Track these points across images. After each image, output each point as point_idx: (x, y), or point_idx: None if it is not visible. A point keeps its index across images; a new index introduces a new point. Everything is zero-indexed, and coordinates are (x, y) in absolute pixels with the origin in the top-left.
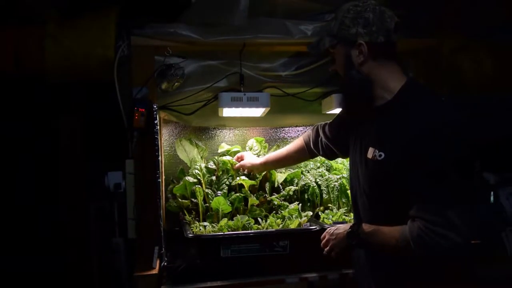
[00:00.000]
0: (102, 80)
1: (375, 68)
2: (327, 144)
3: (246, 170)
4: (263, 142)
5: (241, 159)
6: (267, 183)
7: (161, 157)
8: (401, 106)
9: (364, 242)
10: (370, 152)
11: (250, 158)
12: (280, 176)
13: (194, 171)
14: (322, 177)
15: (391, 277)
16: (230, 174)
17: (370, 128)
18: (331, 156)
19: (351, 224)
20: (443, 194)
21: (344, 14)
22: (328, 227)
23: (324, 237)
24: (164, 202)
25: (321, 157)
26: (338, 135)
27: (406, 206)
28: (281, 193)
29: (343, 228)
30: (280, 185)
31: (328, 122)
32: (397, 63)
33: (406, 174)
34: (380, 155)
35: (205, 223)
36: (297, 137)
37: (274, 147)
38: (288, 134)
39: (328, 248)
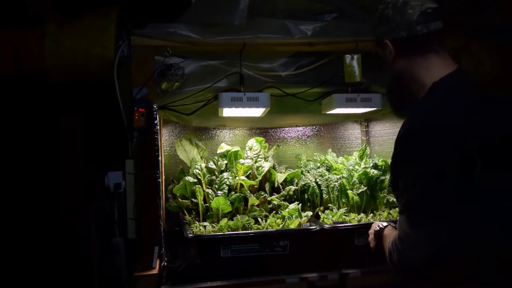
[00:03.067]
0: (102, 80)
1: (408, 64)
2: None
3: None
4: (263, 142)
5: None
6: (267, 183)
7: (161, 157)
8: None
9: (380, 244)
10: None
11: None
12: (280, 176)
13: (194, 171)
14: (322, 177)
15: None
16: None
17: None
18: None
19: (387, 222)
20: (415, 207)
21: (376, 14)
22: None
23: None
24: (164, 202)
25: (321, 156)
26: None
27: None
28: (281, 193)
29: (377, 224)
30: (280, 185)
31: None
32: (439, 55)
33: (394, 179)
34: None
35: (205, 223)
36: (297, 137)
37: (274, 147)
38: (288, 134)
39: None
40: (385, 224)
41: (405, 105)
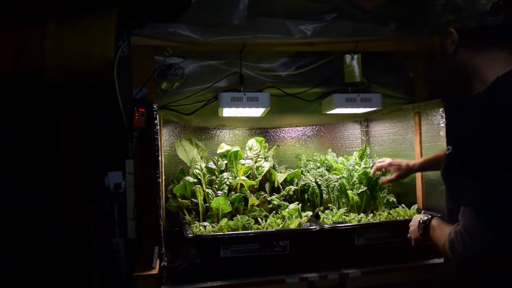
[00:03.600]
0: (102, 80)
1: (471, 57)
2: None
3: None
4: (263, 142)
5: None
6: (267, 183)
7: (161, 157)
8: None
9: (428, 235)
10: None
11: (403, 161)
12: (280, 176)
13: (194, 171)
14: (322, 177)
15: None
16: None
17: None
18: None
19: (430, 214)
20: (484, 197)
21: (437, 1)
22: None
23: None
24: (164, 202)
25: (321, 156)
26: None
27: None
28: (281, 193)
29: (420, 216)
30: (280, 185)
31: None
32: (505, 50)
33: (457, 171)
34: (448, 149)
35: (205, 223)
36: (297, 137)
37: (274, 147)
38: (288, 134)
39: (409, 234)
40: (428, 216)
41: (461, 98)
